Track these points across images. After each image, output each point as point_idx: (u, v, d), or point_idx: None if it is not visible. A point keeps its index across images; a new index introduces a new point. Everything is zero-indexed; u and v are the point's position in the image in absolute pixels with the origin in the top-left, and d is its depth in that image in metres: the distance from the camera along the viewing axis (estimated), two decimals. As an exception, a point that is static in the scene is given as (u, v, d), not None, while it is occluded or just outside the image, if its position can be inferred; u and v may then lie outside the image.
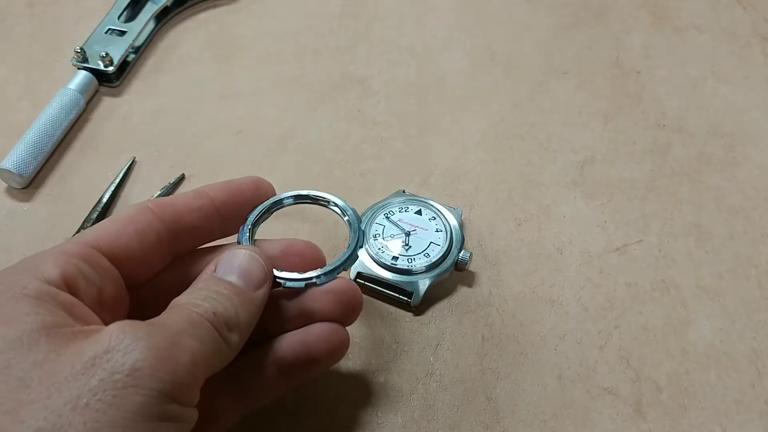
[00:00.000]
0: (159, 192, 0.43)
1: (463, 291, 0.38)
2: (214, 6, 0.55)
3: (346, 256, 0.31)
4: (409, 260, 0.37)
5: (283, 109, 0.48)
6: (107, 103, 0.49)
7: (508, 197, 0.43)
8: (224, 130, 0.47)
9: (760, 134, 0.46)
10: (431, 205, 0.39)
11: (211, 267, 0.28)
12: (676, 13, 0.54)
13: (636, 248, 0.40)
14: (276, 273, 0.29)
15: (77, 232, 0.41)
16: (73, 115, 0.46)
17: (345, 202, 0.33)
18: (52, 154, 0.45)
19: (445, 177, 0.44)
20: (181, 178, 0.44)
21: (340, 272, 0.31)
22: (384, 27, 0.53)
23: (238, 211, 0.31)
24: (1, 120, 0.47)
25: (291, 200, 0.33)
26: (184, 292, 0.26)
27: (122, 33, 0.50)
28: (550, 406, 0.34)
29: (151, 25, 0.52)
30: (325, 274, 0.30)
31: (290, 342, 0.29)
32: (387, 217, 0.39)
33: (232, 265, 0.27)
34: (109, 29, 0.51)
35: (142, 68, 0.51)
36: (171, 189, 0.43)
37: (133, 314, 0.27)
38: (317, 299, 0.30)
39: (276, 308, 0.30)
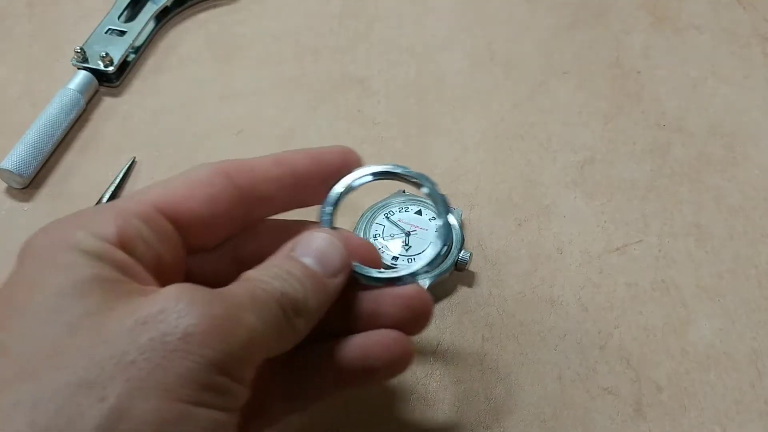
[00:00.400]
0: (159, 192, 0.43)
1: (463, 291, 0.38)
2: (214, 6, 0.55)
3: (434, 255, 0.28)
4: (409, 260, 0.37)
5: (283, 109, 0.48)
6: (107, 103, 0.49)
7: (508, 197, 0.43)
8: (224, 130, 0.47)
9: (760, 134, 0.46)
10: (431, 206, 0.39)
11: (288, 245, 0.26)
12: (676, 13, 0.54)
13: (636, 248, 0.40)
14: (355, 266, 0.27)
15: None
16: (73, 115, 0.46)
17: (433, 184, 0.29)
18: (52, 154, 0.45)
19: (445, 177, 0.44)
20: (181, 178, 0.44)
21: (423, 272, 0.27)
22: (384, 27, 0.53)
23: (320, 183, 0.28)
24: (1, 120, 0.47)
25: (370, 177, 0.30)
26: (256, 267, 0.25)
27: (122, 33, 0.50)
28: (550, 406, 0.34)
29: (151, 25, 0.52)
30: (410, 275, 0.27)
31: (349, 345, 0.27)
32: (387, 217, 0.39)
33: (310, 248, 0.26)
34: (109, 29, 0.51)
35: (142, 68, 0.51)
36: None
37: (194, 282, 0.25)
38: (383, 302, 0.27)
39: (340, 306, 0.27)
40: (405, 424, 0.33)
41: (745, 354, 0.36)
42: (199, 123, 0.47)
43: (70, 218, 0.24)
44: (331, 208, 0.29)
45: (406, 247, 0.37)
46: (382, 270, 0.27)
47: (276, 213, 0.29)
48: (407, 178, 0.30)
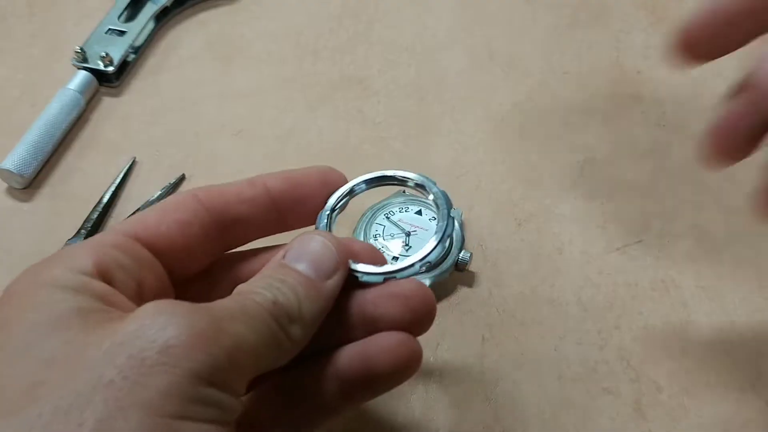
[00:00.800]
0: (159, 192, 0.43)
1: (463, 291, 0.38)
2: (214, 6, 0.55)
3: (433, 246, 0.27)
4: (409, 260, 0.37)
5: (283, 109, 0.48)
6: (107, 103, 0.49)
7: (508, 197, 0.43)
8: (224, 130, 0.47)
9: (760, 134, 0.46)
10: (431, 206, 0.39)
11: (280, 253, 0.25)
12: (676, 12, 0.54)
13: (636, 248, 0.40)
14: (351, 265, 0.26)
15: (77, 233, 0.41)
16: (73, 115, 0.46)
17: (428, 179, 0.29)
18: (52, 154, 0.45)
19: (445, 177, 0.44)
20: (181, 178, 0.44)
21: (424, 267, 0.26)
22: (384, 27, 0.53)
23: (299, 205, 0.28)
24: (1, 120, 0.47)
25: (363, 186, 0.30)
26: (249, 280, 0.24)
27: (122, 33, 0.50)
28: (550, 406, 0.34)
29: (151, 25, 0.52)
30: (407, 267, 0.26)
31: (352, 354, 0.26)
32: (387, 217, 0.39)
33: (300, 251, 0.25)
34: (109, 29, 0.51)
35: (142, 68, 0.51)
36: (171, 189, 0.43)
37: None
38: (380, 304, 0.26)
39: (335, 314, 0.26)
40: (405, 424, 0.33)
41: (745, 354, 0.36)
42: (199, 123, 0.47)
43: (48, 258, 0.24)
44: (327, 211, 0.28)
45: (406, 247, 0.37)
46: (374, 266, 0.26)
47: (258, 236, 0.28)
48: (406, 181, 0.30)
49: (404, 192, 0.41)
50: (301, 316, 0.23)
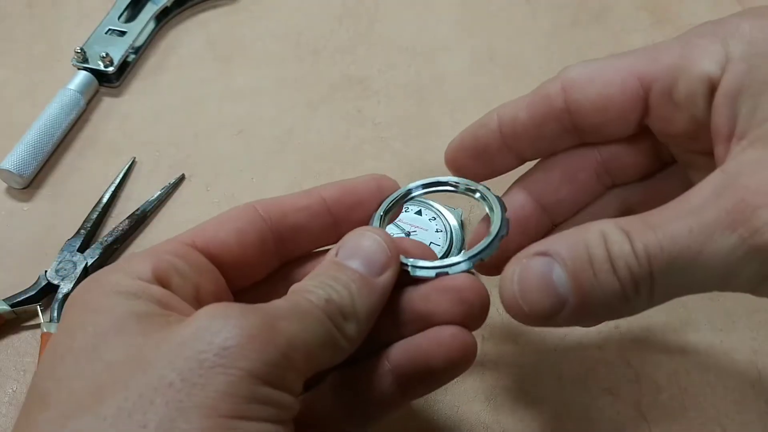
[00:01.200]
0: (159, 192, 0.43)
1: (463, 291, 0.38)
2: (214, 6, 0.55)
3: (487, 243, 0.26)
4: (409, 260, 0.37)
5: (283, 109, 0.48)
6: (107, 103, 0.49)
7: (508, 197, 0.42)
8: (224, 130, 0.47)
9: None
10: (431, 206, 0.39)
11: (333, 251, 0.26)
12: (676, 13, 0.54)
13: (636, 248, 0.40)
14: (402, 259, 0.26)
15: (77, 233, 0.41)
16: (73, 116, 0.46)
17: (481, 185, 0.29)
18: (52, 154, 0.45)
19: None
20: (181, 178, 0.44)
21: (477, 262, 0.26)
22: (384, 27, 0.53)
23: (354, 212, 0.28)
24: (1, 120, 0.47)
25: (421, 189, 0.30)
26: (303, 279, 0.25)
27: (122, 33, 0.50)
28: (550, 406, 0.34)
29: (151, 25, 0.52)
30: (462, 262, 0.26)
31: (406, 349, 0.26)
32: (387, 217, 0.39)
33: (352, 248, 0.25)
34: (109, 29, 0.51)
35: (142, 68, 0.51)
36: (171, 189, 0.43)
37: None
38: (433, 299, 0.26)
39: (387, 311, 0.26)
40: (405, 425, 0.33)
41: (745, 354, 0.36)
42: (199, 123, 0.47)
43: (109, 266, 0.25)
44: (381, 213, 0.28)
45: (406, 247, 0.37)
46: (427, 261, 0.26)
47: (316, 246, 0.29)
48: (458, 185, 0.30)
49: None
50: (355, 313, 0.24)
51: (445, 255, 0.37)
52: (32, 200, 0.43)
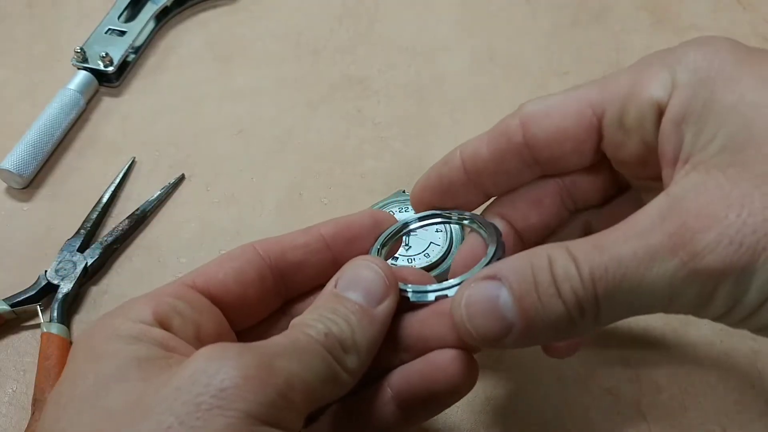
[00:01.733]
0: (159, 192, 0.43)
1: (463, 291, 0.38)
2: (214, 6, 0.55)
3: (485, 264, 0.26)
4: (409, 260, 0.37)
5: (283, 109, 0.48)
6: (107, 103, 0.49)
7: (508, 197, 0.42)
8: (224, 130, 0.47)
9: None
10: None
11: (332, 282, 0.26)
12: (676, 13, 0.54)
13: (636, 248, 0.40)
14: (401, 285, 0.26)
15: (76, 233, 0.41)
16: (73, 115, 0.46)
17: (471, 213, 0.30)
18: (52, 154, 0.45)
19: (445, 177, 0.43)
20: (181, 178, 0.44)
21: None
22: (384, 27, 0.53)
23: (352, 246, 0.28)
24: (1, 120, 0.47)
25: (417, 222, 0.30)
26: (303, 313, 0.25)
27: (122, 33, 0.50)
28: (551, 406, 0.34)
29: (151, 25, 0.52)
30: (457, 284, 0.26)
31: (407, 374, 0.26)
32: (387, 217, 0.39)
33: (350, 278, 0.25)
34: (109, 29, 0.51)
35: (142, 68, 0.51)
36: (171, 189, 0.43)
37: None
38: (431, 323, 0.26)
39: (387, 337, 0.26)
40: (405, 424, 0.33)
41: (745, 354, 0.36)
42: (199, 123, 0.47)
43: (112, 311, 0.25)
44: (378, 246, 0.29)
45: (407, 247, 0.37)
46: (424, 285, 0.26)
47: (316, 283, 0.28)
48: (451, 216, 0.30)
49: (404, 192, 0.41)
50: (356, 345, 0.24)
51: (445, 255, 0.37)
52: (32, 200, 0.43)
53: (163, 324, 0.24)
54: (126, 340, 0.23)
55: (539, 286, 0.22)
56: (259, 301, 0.27)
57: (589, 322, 0.22)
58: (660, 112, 0.24)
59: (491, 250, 0.27)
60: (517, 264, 0.23)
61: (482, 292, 0.23)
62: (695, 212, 0.20)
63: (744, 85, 0.22)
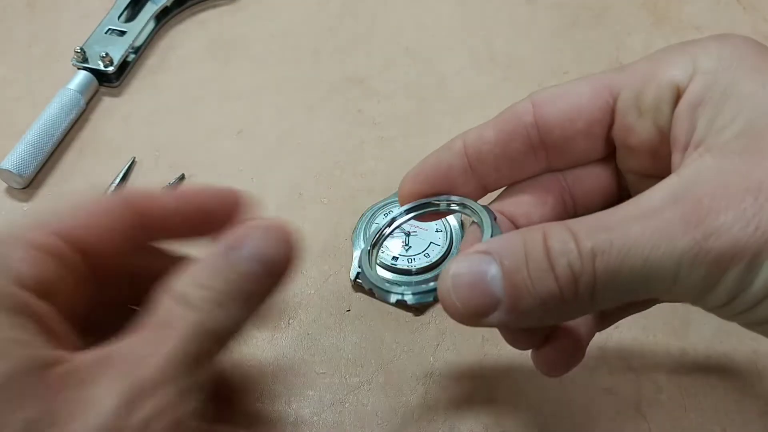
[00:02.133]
0: (159, 192, 0.43)
1: (463, 291, 0.38)
2: (214, 6, 0.55)
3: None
4: (409, 260, 0.37)
5: (283, 109, 0.48)
6: (107, 103, 0.49)
7: (508, 197, 0.42)
8: (224, 130, 0.47)
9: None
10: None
11: (221, 246, 0.22)
12: (676, 13, 0.54)
13: (636, 248, 0.40)
14: (396, 290, 0.26)
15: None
16: (73, 115, 0.46)
17: (461, 197, 0.28)
18: (52, 154, 0.45)
19: (445, 177, 0.43)
20: (181, 178, 0.44)
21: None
22: (384, 27, 0.53)
23: (205, 206, 0.25)
24: (1, 120, 0.47)
25: (404, 215, 0.29)
26: (181, 279, 0.21)
27: (122, 33, 0.50)
28: (550, 406, 0.34)
29: (151, 25, 0.52)
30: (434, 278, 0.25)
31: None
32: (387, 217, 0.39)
33: (242, 242, 0.22)
34: (109, 29, 0.51)
35: (142, 68, 0.51)
36: (171, 189, 0.43)
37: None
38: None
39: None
40: (405, 424, 0.33)
41: (745, 354, 0.36)
42: (199, 123, 0.47)
43: None
44: (369, 247, 0.29)
45: (406, 247, 0.37)
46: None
47: (173, 237, 0.25)
48: (439, 203, 0.29)
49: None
50: (230, 333, 0.21)
51: (445, 255, 0.37)
52: (32, 200, 0.43)
53: (44, 293, 0.19)
54: (10, 319, 0.18)
55: (531, 261, 0.21)
56: (125, 254, 0.23)
57: (582, 303, 0.22)
58: (678, 95, 0.24)
59: (486, 234, 0.26)
60: (510, 239, 0.23)
61: (471, 265, 0.23)
62: (711, 193, 0.20)
63: (765, 76, 0.22)
